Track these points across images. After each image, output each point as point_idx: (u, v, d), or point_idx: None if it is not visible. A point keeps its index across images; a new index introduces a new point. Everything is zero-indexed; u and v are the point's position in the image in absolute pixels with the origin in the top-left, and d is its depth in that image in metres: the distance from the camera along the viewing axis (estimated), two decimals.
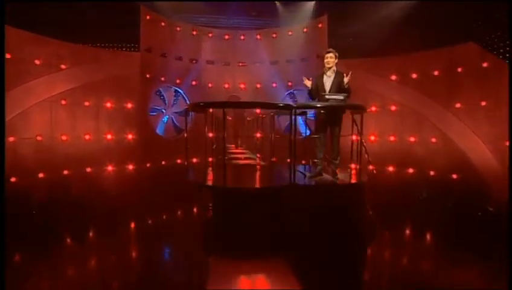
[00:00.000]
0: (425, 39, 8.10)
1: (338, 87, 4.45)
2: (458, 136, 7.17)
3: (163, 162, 8.45)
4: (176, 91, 9.04)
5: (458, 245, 4.05)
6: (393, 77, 8.36)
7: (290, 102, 9.70)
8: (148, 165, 8.03)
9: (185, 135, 4.21)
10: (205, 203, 4.39)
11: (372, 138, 8.39)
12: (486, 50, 7.01)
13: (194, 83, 9.14)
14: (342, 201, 3.84)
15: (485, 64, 6.73)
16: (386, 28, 8.20)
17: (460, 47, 7.21)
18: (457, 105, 7.10)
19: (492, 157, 6.42)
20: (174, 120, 9.10)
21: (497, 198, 5.77)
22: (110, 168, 7.61)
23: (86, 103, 7.44)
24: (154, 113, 8.77)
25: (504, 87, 6.07)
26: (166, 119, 9.04)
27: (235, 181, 4.19)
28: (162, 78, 8.71)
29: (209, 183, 3.97)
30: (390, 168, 8.10)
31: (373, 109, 8.42)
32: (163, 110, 9.00)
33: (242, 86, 9.46)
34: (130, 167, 7.81)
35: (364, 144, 4.37)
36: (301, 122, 10.04)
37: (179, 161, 8.53)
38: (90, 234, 4.19)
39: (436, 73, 7.57)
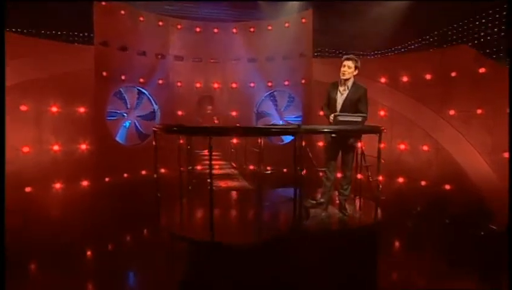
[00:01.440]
0: (417, 39, 6.66)
1: (351, 106, 3.49)
2: (451, 146, 6.54)
3: (125, 175, 6.42)
4: (139, 92, 7.31)
5: (465, 270, 3.52)
6: (383, 80, 7.50)
7: (269, 104, 7.95)
8: (106, 179, 6.19)
9: (154, 142, 3.30)
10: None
11: (359, 144, 6.79)
12: (481, 54, 6.40)
13: (160, 81, 7.24)
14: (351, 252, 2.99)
15: (481, 70, 6.06)
16: (376, 27, 6.84)
17: (453, 49, 6.63)
18: (451, 112, 6.45)
19: (490, 170, 5.86)
20: (138, 125, 7.19)
21: (500, 215, 5.11)
22: (57, 186, 6.17)
23: (23, 107, 5.98)
24: (114, 118, 6.77)
25: (502, 94, 5.39)
26: (128, 124, 7.09)
27: (221, 228, 3.06)
28: (123, 77, 6.68)
29: (189, 234, 2.94)
30: (379, 178, 6.79)
31: None
32: (125, 114, 7.06)
33: (216, 85, 7.79)
34: (84, 183, 6.41)
35: (375, 179, 3.48)
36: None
37: (144, 172, 6.43)
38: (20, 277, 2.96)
39: (428, 77, 6.82)
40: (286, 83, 8.06)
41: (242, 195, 4.58)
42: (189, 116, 8.22)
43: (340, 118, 3.27)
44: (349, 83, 3.54)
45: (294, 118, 8.39)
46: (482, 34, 6.33)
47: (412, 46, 7.24)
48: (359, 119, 3.27)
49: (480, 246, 4.24)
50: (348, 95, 3.50)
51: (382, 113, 7.34)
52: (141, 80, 7.54)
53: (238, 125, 7.04)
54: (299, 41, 7.72)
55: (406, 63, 7.02)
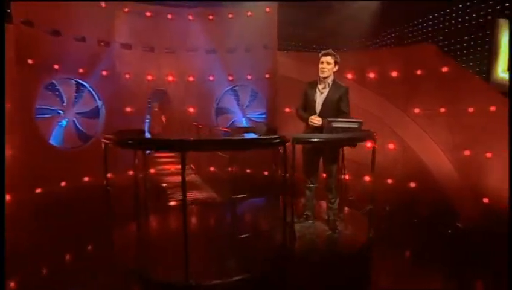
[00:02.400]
0: (384, 36, 6.05)
1: (332, 107, 3.14)
2: (416, 143, 6.31)
3: (62, 184, 4.99)
4: (78, 84, 5.77)
5: (436, 269, 3.38)
6: (350, 76, 6.91)
7: (231, 100, 6.86)
8: (38, 191, 4.63)
9: (103, 143, 2.46)
10: None
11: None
12: (445, 53, 6.32)
13: (104, 73, 5.85)
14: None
15: (444, 69, 5.82)
16: (343, 20, 6.13)
17: (418, 47, 6.45)
18: (416, 110, 6.23)
19: (452, 167, 5.74)
20: (78, 124, 5.64)
21: (464, 213, 5.09)
22: None
23: None
24: (45, 116, 5.19)
25: (464, 94, 5.48)
26: (65, 123, 5.61)
27: (195, 263, 2.21)
28: (56, 66, 5.12)
29: (156, 275, 2.15)
30: (346, 177, 6.35)
31: None
32: (60, 111, 5.48)
33: (170, 78, 6.66)
34: (7, 197, 5.08)
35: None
36: (245, 124, 7.33)
37: (86, 178, 5.07)
38: None
39: (394, 74, 6.47)
40: (249, 77, 7.12)
41: (211, 210, 3.62)
42: (139, 114, 6.84)
43: (335, 125, 2.84)
44: (329, 81, 3.21)
45: (258, 115, 7.48)
46: (449, 30, 5.82)
47: (379, 42, 6.58)
48: (356, 125, 2.87)
49: (449, 244, 4.14)
50: (328, 94, 3.17)
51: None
52: (80, 71, 6.04)
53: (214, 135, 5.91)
54: (262, 33, 7.12)
55: (373, 59, 6.73)
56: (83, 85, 6.46)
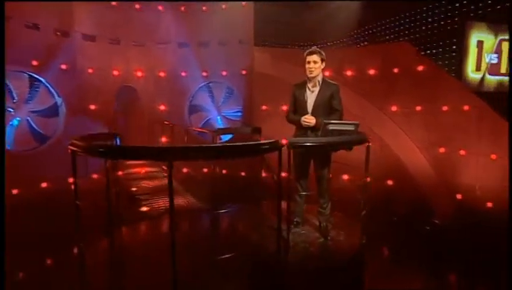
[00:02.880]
0: (360, 33, 5.91)
1: (324, 106, 3.03)
2: (394, 141, 6.28)
3: (14, 191, 4.25)
4: (32, 79, 5.60)
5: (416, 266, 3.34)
6: (327, 73, 6.35)
7: (205, 97, 6.35)
8: None
9: (70, 150, 2.09)
10: None
11: None
12: (420, 52, 6.35)
13: (64, 66, 5.11)
14: None
15: (420, 68, 5.80)
16: (321, 17, 5.74)
17: (394, 45, 6.31)
18: (393, 108, 6.20)
19: (428, 164, 5.79)
20: (33, 123, 4.86)
21: (440, 209, 5.08)
22: None
23: None
24: None
25: (439, 93, 5.52)
26: (17, 122, 4.79)
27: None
28: None
29: None
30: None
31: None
32: (11, 110, 4.73)
33: (139, 73, 6.07)
34: None
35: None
36: (220, 122, 6.84)
37: (44, 184, 5.38)
38: None
39: (371, 72, 6.38)
40: (224, 73, 6.68)
41: (192, 220, 3.18)
42: (105, 112, 6.10)
43: (331, 127, 2.69)
44: (319, 79, 3.11)
45: (234, 112, 7.02)
46: (420, 29, 5.73)
47: (356, 39, 6.40)
48: (353, 127, 2.77)
49: (429, 241, 4.12)
50: (319, 92, 3.06)
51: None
52: (34, 63, 5.19)
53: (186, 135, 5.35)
54: (238, 27, 6.82)
55: (350, 57, 6.60)
56: (38, 80, 5.59)
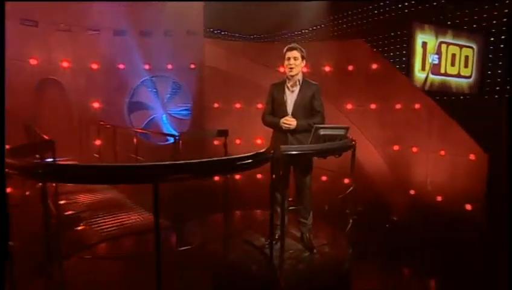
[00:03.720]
0: (315, 28, 6.15)
1: (305, 107, 2.98)
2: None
3: None
4: None
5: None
6: (282, 69, 5.86)
7: (147, 93, 5.91)
8: None
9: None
10: None
11: (259, 141, 6.47)
12: (373, 49, 6.47)
13: None
14: None
15: (374, 65, 6.08)
16: (277, 9, 5.71)
17: (349, 43, 6.47)
18: (349, 106, 6.43)
19: (383, 161, 6.07)
20: None
21: (397, 206, 5.45)
22: None
23: None
24: None
25: (393, 91, 5.82)
26: None
27: None
28: None
29: None
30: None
31: (259, 106, 6.43)
32: None
33: (65, 64, 5.35)
34: None
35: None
36: (165, 121, 6.45)
37: None
38: None
39: (327, 69, 6.52)
40: (169, 66, 6.30)
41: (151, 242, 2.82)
42: (21, 110, 5.21)
43: (322, 132, 2.59)
44: (299, 78, 3.04)
45: (181, 111, 6.60)
46: (373, 27, 6.05)
47: (310, 35, 6.52)
48: (343, 132, 2.71)
49: (390, 239, 4.35)
50: (300, 92, 2.98)
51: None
52: None
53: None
54: (185, 15, 6.44)
55: (308, 53, 6.44)
56: None
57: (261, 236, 3.06)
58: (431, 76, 6.52)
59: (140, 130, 6.24)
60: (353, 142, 2.84)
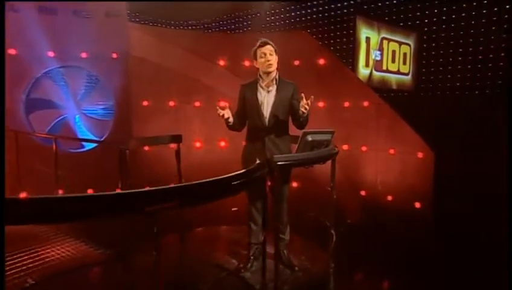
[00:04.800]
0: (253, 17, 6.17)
1: (284, 109, 2.98)
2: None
3: None
4: None
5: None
6: (222, 62, 6.41)
7: (53, 87, 5.26)
8: None
9: None
10: None
11: (198, 144, 6.26)
12: (320, 43, 6.51)
13: None
14: None
15: (321, 60, 6.10)
16: None
17: (292, 34, 6.38)
18: None
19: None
20: None
21: (349, 209, 5.50)
22: None
23: None
24: None
25: (341, 88, 5.87)
26: None
27: None
28: None
29: None
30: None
31: (196, 104, 6.26)
32: None
33: None
34: None
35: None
36: (79, 122, 5.71)
37: None
38: None
39: None
40: (83, 55, 5.46)
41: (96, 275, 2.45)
42: None
43: (311, 138, 2.63)
44: (276, 76, 3.02)
45: (100, 109, 5.79)
46: (318, 18, 6.10)
47: (247, 24, 6.35)
48: (330, 137, 2.82)
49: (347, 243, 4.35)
50: (278, 92, 2.98)
51: (222, 104, 6.15)
52: None
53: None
54: None
55: (247, 44, 6.19)
56: None
57: (234, 258, 3.05)
58: (374, 72, 6.82)
59: (44, 135, 5.27)
60: (336, 148, 2.85)
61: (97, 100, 5.88)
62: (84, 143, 5.68)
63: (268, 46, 2.97)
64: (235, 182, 1.75)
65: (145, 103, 5.94)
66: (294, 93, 3.01)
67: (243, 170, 1.88)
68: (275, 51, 3.00)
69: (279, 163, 2.21)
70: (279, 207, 2.89)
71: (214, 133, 6.22)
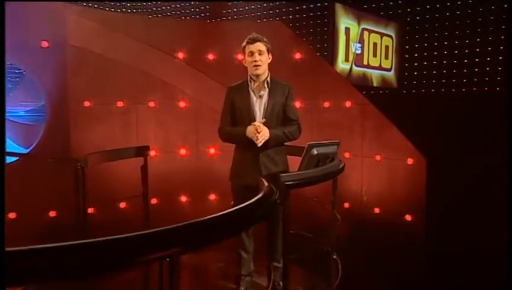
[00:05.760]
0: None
1: (278, 116, 2.91)
2: None
3: None
4: None
5: None
6: (181, 55, 5.82)
7: None
8: None
9: None
10: None
11: (153, 152, 5.50)
12: (297, 35, 6.15)
13: None
14: None
15: (297, 54, 5.65)
16: None
17: (265, 25, 5.93)
18: None
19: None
20: None
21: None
22: None
23: None
24: None
25: (321, 86, 5.53)
26: None
27: None
28: None
29: None
30: (183, 198, 5.78)
31: (151, 104, 5.63)
32: None
33: None
34: None
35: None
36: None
37: None
38: None
39: (240, 57, 5.55)
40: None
41: None
42: None
43: (316, 151, 2.52)
44: (267, 79, 2.93)
45: (25, 112, 4.95)
46: (293, 7, 5.75)
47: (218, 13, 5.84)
48: (335, 149, 2.73)
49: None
50: (270, 97, 2.88)
51: (182, 104, 5.82)
52: None
53: None
54: None
55: (211, 35, 5.89)
56: None
57: None
58: (355, 68, 6.51)
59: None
60: (342, 162, 2.79)
61: (22, 100, 5.05)
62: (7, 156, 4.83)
63: (257, 44, 2.80)
64: (253, 214, 1.55)
65: (86, 104, 5.19)
66: (288, 97, 2.89)
67: (259, 197, 1.65)
68: (267, 49, 2.87)
69: (288, 183, 2.09)
70: (273, 232, 2.88)
71: (172, 139, 5.66)
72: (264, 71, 2.86)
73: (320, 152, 2.51)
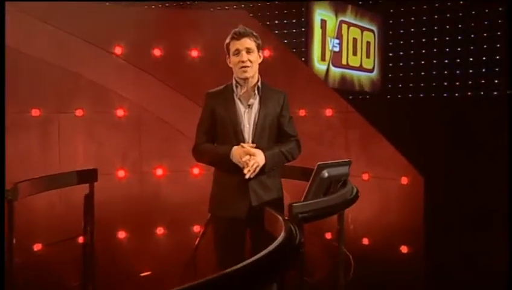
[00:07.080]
0: None
1: (271, 133, 2.71)
2: None
3: None
4: None
5: None
6: (118, 50, 5.37)
7: None
8: None
9: None
10: None
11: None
12: (265, 27, 6.10)
13: None
14: None
15: (265, 52, 5.14)
16: None
17: (227, 14, 5.98)
18: None
19: (285, 194, 5.22)
20: None
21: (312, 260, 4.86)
22: None
23: None
24: None
25: (295, 91, 5.01)
26: None
27: None
28: None
29: None
30: (121, 234, 5.30)
31: (77, 113, 5.19)
32: None
33: None
34: None
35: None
36: None
37: None
38: None
39: (194, 53, 5.40)
40: None
41: None
42: None
43: (327, 173, 2.36)
44: (258, 84, 2.64)
45: None
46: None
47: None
48: (347, 169, 2.60)
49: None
50: (262, 107, 2.61)
51: (120, 112, 5.33)
52: None
53: None
54: None
55: (157, 26, 5.43)
56: None
57: None
58: (332, 68, 6.12)
59: None
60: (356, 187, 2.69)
61: None
62: None
63: (245, 41, 2.52)
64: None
65: (34, 112, 4.75)
66: (284, 107, 2.66)
67: (281, 241, 1.47)
68: (257, 46, 2.57)
69: (302, 216, 1.99)
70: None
71: (107, 158, 5.04)
72: (253, 74, 2.59)
73: (332, 174, 2.34)
